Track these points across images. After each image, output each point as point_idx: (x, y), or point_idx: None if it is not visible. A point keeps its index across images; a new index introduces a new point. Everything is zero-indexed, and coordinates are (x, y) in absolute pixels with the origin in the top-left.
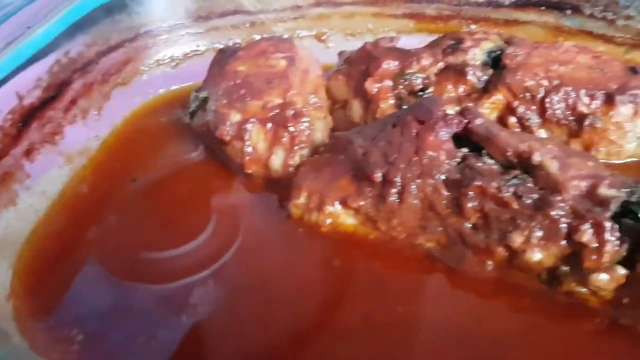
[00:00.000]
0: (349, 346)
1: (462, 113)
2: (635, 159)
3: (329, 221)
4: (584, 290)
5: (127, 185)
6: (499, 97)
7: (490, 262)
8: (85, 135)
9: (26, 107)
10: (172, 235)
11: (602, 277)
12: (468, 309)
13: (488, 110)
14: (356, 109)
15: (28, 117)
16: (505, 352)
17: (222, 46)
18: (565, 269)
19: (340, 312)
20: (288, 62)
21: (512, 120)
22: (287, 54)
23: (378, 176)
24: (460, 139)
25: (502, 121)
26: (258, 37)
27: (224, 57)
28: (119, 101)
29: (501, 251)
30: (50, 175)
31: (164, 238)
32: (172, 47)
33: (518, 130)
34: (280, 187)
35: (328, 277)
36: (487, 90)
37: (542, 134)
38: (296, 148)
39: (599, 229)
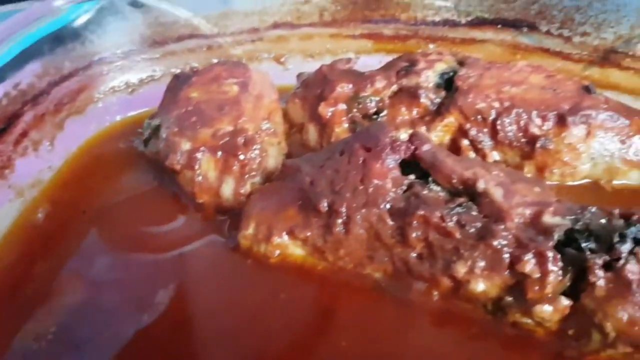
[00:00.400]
0: None
1: (410, 138)
2: (590, 180)
3: (277, 252)
4: (529, 321)
5: (77, 218)
6: (451, 120)
7: (435, 292)
8: (37, 166)
9: None
10: (120, 267)
11: (546, 308)
12: (414, 341)
13: (441, 132)
14: (311, 133)
15: None
16: None
17: (178, 70)
18: (509, 299)
19: (283, 347)
20: (240, 87)
21: (465, 142)
22: (240, 78)
23: (323, 206)
24: (409, 164)
25: (454, 143)
26: (216, 60)
27: (177, 83)
28: (73, 130)
29: (446, 281)
30: None
31: (112, 270)
32: (128, 73)
33: (471, 152)
34: (231, 215)
35: (273, 310)
36: (439, 112)
37: (495, 155)
38: (246, 176)
39: (541, 259)
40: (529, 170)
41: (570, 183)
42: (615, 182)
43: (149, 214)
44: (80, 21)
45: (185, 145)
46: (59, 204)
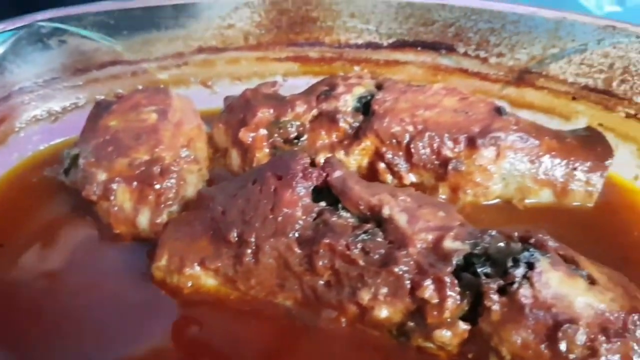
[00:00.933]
0: None
1: (322, 165)
2: (503, 199)
3: (189, 283)
4: (431, 345)
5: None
6: (368, 144)
7: (343, 319)
8: None
9: None
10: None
11: (445, 333)
12: None
13: (359, 156)
14: (234, 158)
15: None
16: None
17: (102, 97)
18: (412, 324)
19: None
20: (159, 115)
21: (382, 165)
22: (160, 106)
23: (233, 236)
24: (322, 191)
25: (372, 167)
26: (141, 86)
27: (98, 111)
28: None
29: (352, 308)
30: None
31: (33, 304)
32: (50, 101)
33: (388, 175)
34: (149, 246)
35: (184, 342)
36: (357, 136)
37: (412, 177)
38: (162, 206)
39: (439, 284)
40: (443, 192)
41: (484, 203)
42: (527, 200)
43: (68, 246)
44: None
45: (102, 176)
46: None
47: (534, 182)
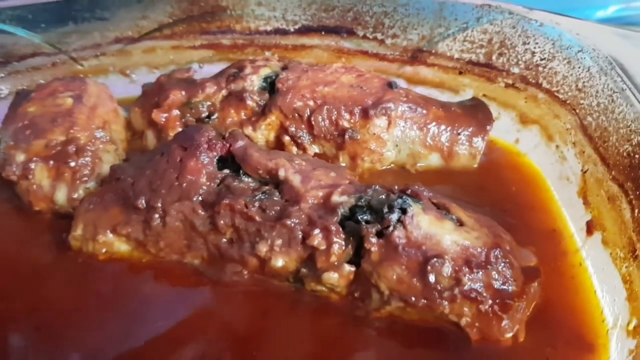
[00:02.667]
0: None
1: (226, 137)
2: (397, 165)
3: (104, 249)
4: (323, 288)
5: None
6: (273, 119)
7: (245, 271)
8: None
9: None
10: None
11: (332, 275)
12: (228, 317)
13: (266, 131)
14: (150, 138)
15: None
16: (256, 351)
17: (24, 87)
18: (305, 270)
19: (107, 335)
20: (75, 99)
21: (287, 139)
22: (75, 91)
23: (142, 203)
24: (227, 160)
25: (278, 140)
26: (61, 76)
27: (18, 99)
28: None
29: (253, 260)
30: None
31: None
32: None
33: (293, 147)
34: (67, 220)
35: (98, 304)
36: (263, 113)
37: (315, 148)
38: (78, 182)
39: (326, 233)
40: (343, 160)
41: (380, 168)
42: (418, 165)
43: None
44: None
45: (20, 157)
46: None
47: (423, 147)
